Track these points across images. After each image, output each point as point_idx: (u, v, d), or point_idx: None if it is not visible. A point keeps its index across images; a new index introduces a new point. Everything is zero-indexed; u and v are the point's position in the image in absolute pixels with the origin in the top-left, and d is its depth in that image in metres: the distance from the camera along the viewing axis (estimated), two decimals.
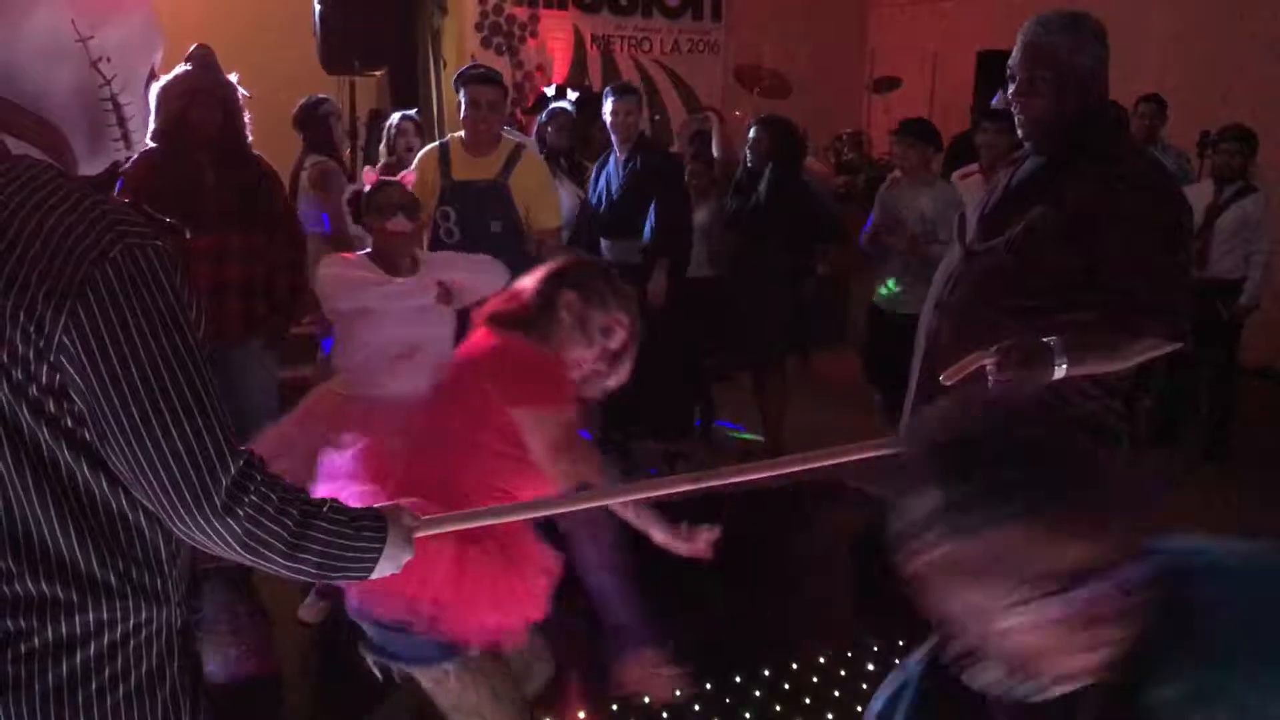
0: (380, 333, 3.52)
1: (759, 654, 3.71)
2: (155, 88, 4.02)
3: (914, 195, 5.49)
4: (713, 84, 10.66)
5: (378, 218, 3.61)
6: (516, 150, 4.62)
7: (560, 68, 10.16)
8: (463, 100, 4.55)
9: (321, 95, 5.95)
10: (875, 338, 5.71)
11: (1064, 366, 2.21)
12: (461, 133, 4.66)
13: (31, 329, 1.21)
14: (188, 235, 1.38)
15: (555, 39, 10.20)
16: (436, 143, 4.88)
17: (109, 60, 1.36)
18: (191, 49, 3.94)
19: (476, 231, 4.42)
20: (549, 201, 4.65)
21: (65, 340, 1.22)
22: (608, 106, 5.56)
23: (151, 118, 4.05)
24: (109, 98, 1.38)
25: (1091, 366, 2.30)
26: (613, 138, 5.56)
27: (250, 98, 6.25)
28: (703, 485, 1.82)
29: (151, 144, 3.81)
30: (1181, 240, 2.43)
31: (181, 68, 4.04)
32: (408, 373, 3.34)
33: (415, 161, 4.60)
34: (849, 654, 3.73)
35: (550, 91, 8.58)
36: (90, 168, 1.42)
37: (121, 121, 1.40)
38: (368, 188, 3.74)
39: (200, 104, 4.00)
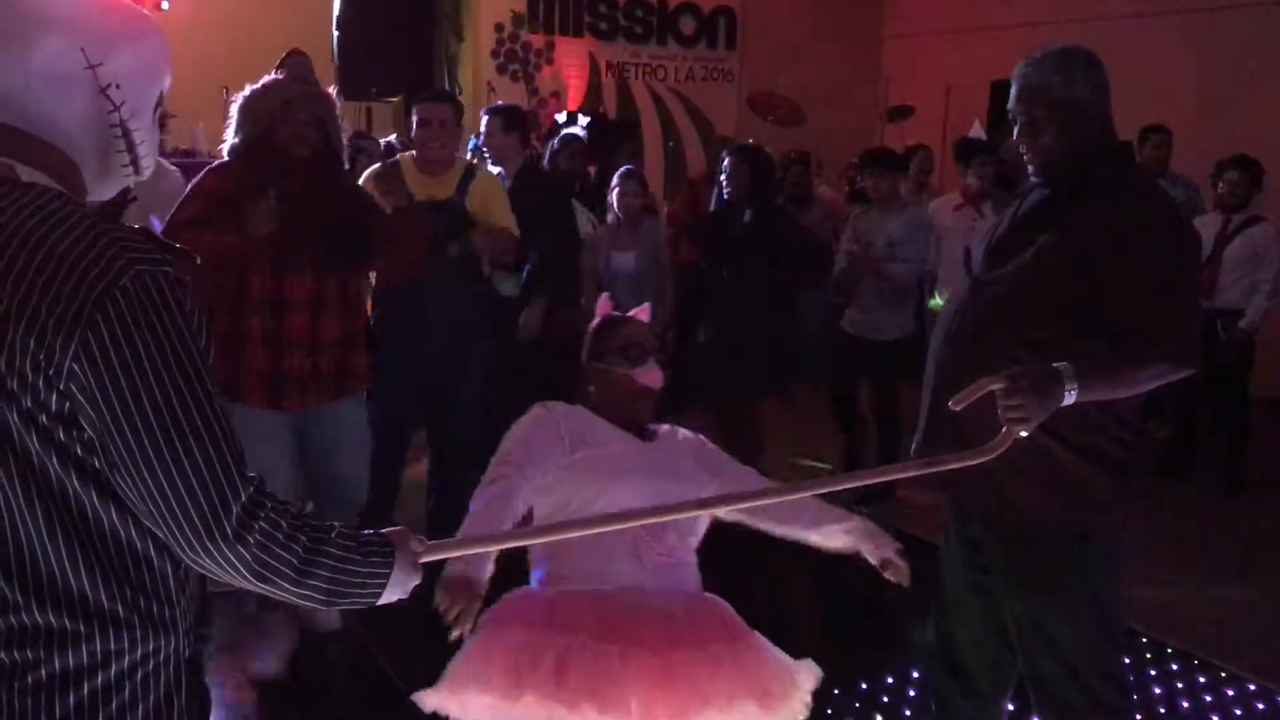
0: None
1: None
2: (239, 97, 3.57)
3: (884, 221, 5.65)
4: (727, 111, 10.71)
5: (622, 362, 2.59)
6: (470, 169, 4.57)
7: (575, 95, 10.23)
8: (414, 120, 4.47)
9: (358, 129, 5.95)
10: (843, 362, 5.80)
11: (1074, 392, 2.20)
12: (412, 153, 4.57)
13: (41, 357, 1.21)
14: (199, 261, 1.38)
15: (571, 66, 10.28)
16: (383, 164, 4.69)
17: (118, 87, 1.37)
18: (286, 55, 3.71)
19: (435, 250, 4.26)
20: (506, 212, 4.55)
21: (75, 368, 1.22)
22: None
23: (231, 130, 3.57)
24: (118, 124, 1.38)
25: (1101, 393, 2.29)
26: None
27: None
28: (706, 510, 1.82)
29: (226, 158, 3.58)
30: (1188, 267, 2.43)
31: (270, 77, 3.65)
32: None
33: (361, 181, 4.40)
34: (863, 687, 3.71)
35: (562, 118, 8.64)
36: (100, 194, 1.43)
37: (130, 147, 1.41)
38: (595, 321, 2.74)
39: (292, 120, 3.48)
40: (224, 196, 3.46)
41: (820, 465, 6.15)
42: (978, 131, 6.88)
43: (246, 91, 3.54)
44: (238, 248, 3.43)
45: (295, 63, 3.66)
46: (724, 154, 5.59)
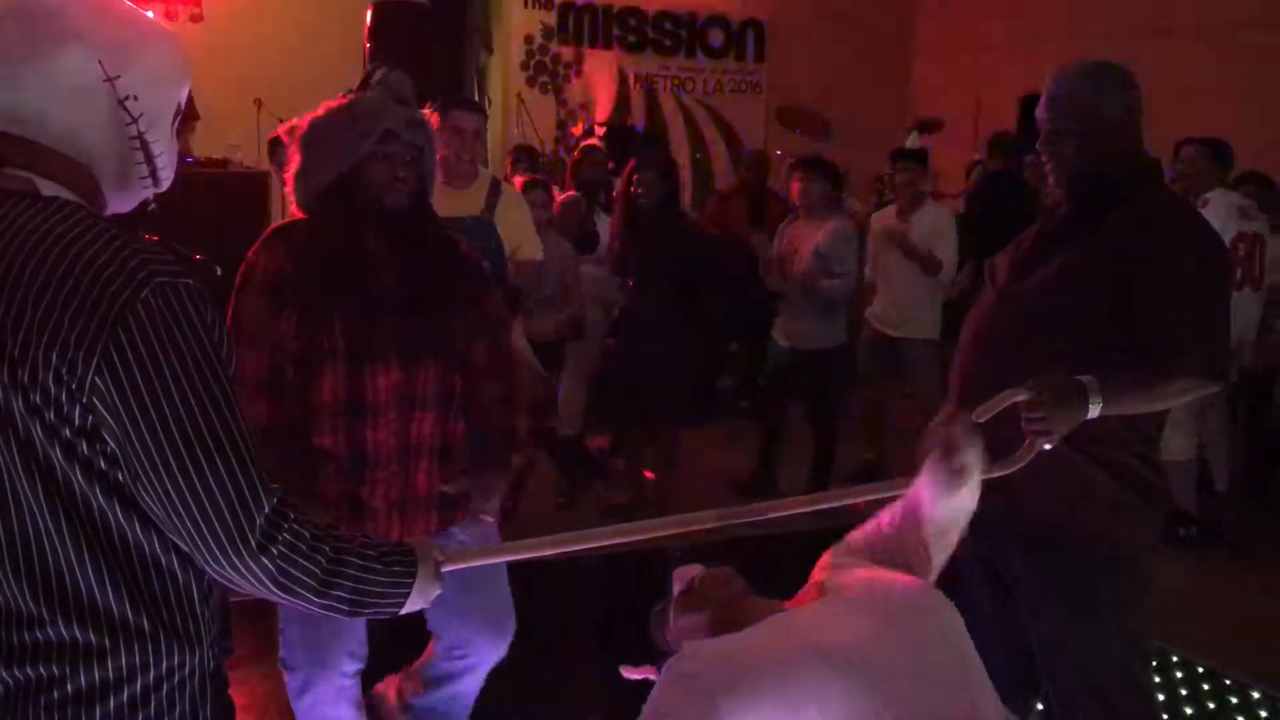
0: None
1: None
2: (309, 123, 2.47)
3: (812, 230, 5.63)
4: (754, 124, 10.72)
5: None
6: (495, 185, 4.29)
7: (604, 107, 10.26)
8: (444, 128, 3.95)
9: None
10: (781, 374, 5.80)
11: (1099, 406, 2.18)
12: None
13: (64, 371, 1.22)
14: (219, 273, 1.38)
15: (599, 78, 10.31)
16: None
17: (136, 99, 1.37)
18: (377, 70, 2.53)
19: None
20: (533, 236, 4.48)
21: (98, 381, 1.22)
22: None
23: (294, 169, 2.46)
24: (136, 135, 1.39)
25: (1127, 406, 2.27)
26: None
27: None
28: (725, 522, 1.82)
29: (300, 211, 2.54)
30: (1217, 279, 2.41)
31: (351, 94, 2.54)
32: None
33: None
34: None
35: (580, 130, 8.72)
36: (119, 206, 1.44)
37: (149, 159, 1.41)
38: None
39: (390, 158, 2.46)
40: (284, 289, 2.43)
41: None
42: (914, 142, 6.90)
43: (319, 115, 2.48)
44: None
45: (395, 79, 2.49)
46: (635, 163, 5.41)
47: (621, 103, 10.39)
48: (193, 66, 1.48)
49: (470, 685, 2.79)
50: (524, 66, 9.97)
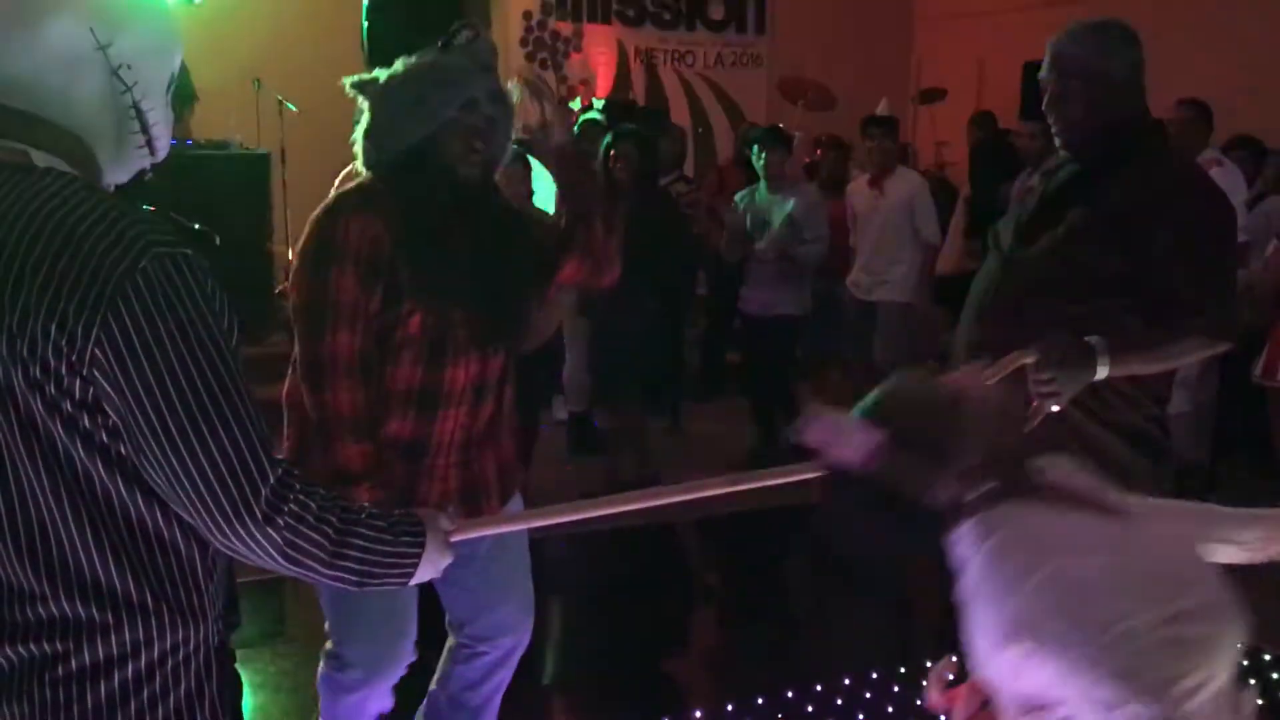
0: None
1: (790, 675, 3.68)
2: (387, 80, 2.23)
3: (778, 201, 5.72)
4: (757, 97, 10.65)
5: None
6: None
7: (604, 82, 10.21)
8: None
9: None
10: (751, 343, 5.82)
11: (1106, 367, 2.17)
12: None
13: (64, 343, 1.20)
14: (218, 242, 1.37)
15: (599, 53, 10.25)
16: None
17: (129, 67, 1.35)
18: (461, 32, 2.31)
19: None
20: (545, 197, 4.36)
21: (98, 354, 1.21)
22: None
23: (361, 132, 2.25)
24: (131, 105, 1.37)
25: (1135, 367, 2.26)
26: None
27: (299, 113, 6.31)
28: (737, 487, 1.81)
29: (366, 182, 2.33)
30: (1225, 238, 2.39)
31: (431, 55, 2.30)
32: None
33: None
34: (902, 671, 3.69)
35: (575, 106, 8.68)
36: (116, 177, 1.42)
37: (145, 129, 1.40)
38: None
39: (469, 129, 2.28)
40: (380, 262, 2.24)
41: None
42: (884, 108, 6.93)
43: (397, 69, 2.29)
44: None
45: (482, 44, 2.31)
46: (609, 136, 5.44)
47: (622, 78, 10.33)
48: (190, 47, 1.46)
49: (506, 675, 2.66)
50: (523, 42, 9.91)
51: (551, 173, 2.56)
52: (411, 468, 2.35)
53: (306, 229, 2.30)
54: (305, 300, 2.26)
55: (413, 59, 2.28)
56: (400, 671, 2.55)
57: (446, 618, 2.63)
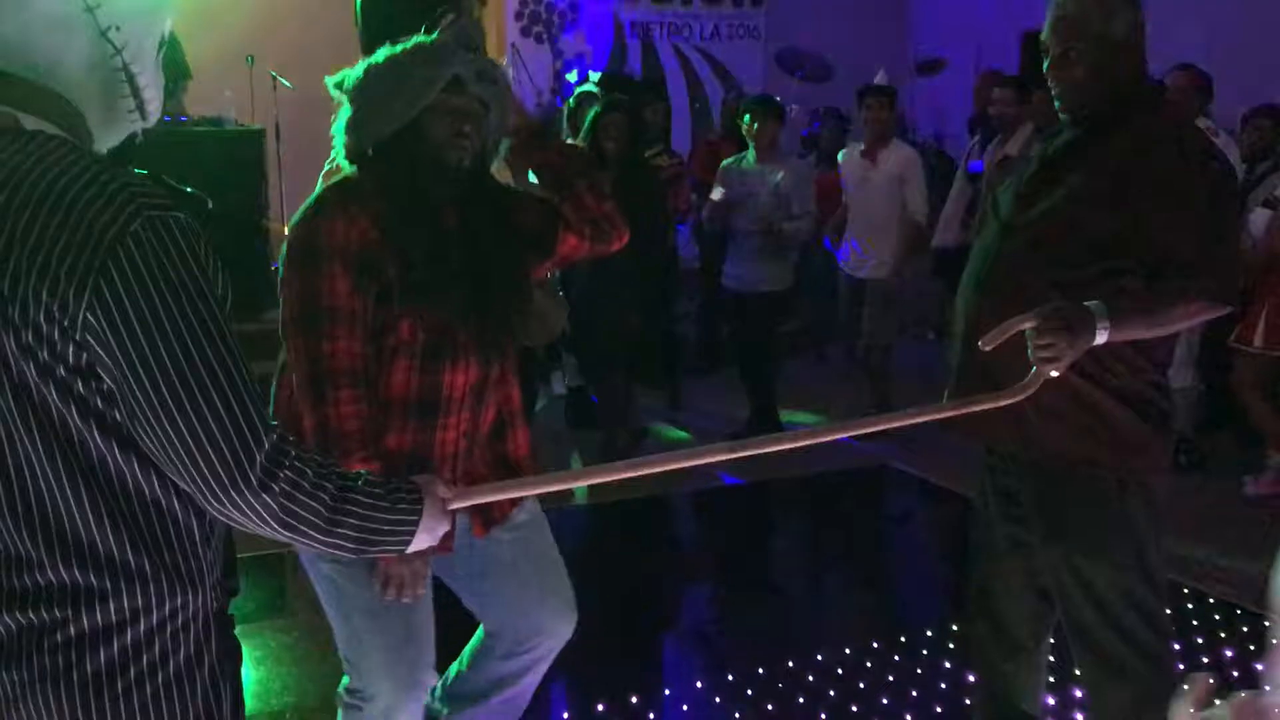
0: None
1: (813, 640, 3.70)
2: (365, 70, 2.13)
3: (766, 172, 5.64)
4: (754, 70, 10.60)
5: None
6: None
7: (600, 56, 10.16)
8: None
9: None
10: (732, 320, 5.78)
11: (1105, 331, 2.16)
12: None
13: (55, 308, 1.19)
14: (210, 205, 1.35)
15: (595, 27, 10.20)
16: None
17: (119, 29, 1.34)
18: (445, 15, 2.22)
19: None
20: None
21: (90, 318, 1.20)
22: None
23: (343, 121, 2.14)
24: (121, 67, 1.35)
25: (1136, 331, 2.24)
26: None
27: (293, 89, 6.26)
28: (739, 454, 1.80)
29: (348, 178, 2.24)
30: (1225, 201, 2.37)
31: (416, 40, 2.19)
32: None
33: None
34: (902, 639, 3.70)
35: (573, 78, 8.63)
36: (106, 141, 1.40)
37: (136, 92, 1.38)
38: None
39: (456, 111, 2.19)
40: (375, 265, 2.14)
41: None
42: (882, 78, 6.88)
43: (376, 58, 2.19)
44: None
45: (465, 24, 2.23)
46: (597, 105, 5.40)
47: (618, 52, 10.28)
48: (184, 23, 1.43)
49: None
50: (518, 16, 9.86)
51: (514, 159, 2.47)
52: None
53: (288, 235, 2.19)
54: (297, 310, 2.13)
55: (395, 48, 2.17)
56: (424, 697, 2.42)
57: (481, 626, 2.53)
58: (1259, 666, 3.51)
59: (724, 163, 6.00)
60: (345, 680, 2.43)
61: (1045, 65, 2.46)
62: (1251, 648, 3.68)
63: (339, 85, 2.23)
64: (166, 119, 6.64)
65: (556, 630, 2.49)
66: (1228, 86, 6.47)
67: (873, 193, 5.90)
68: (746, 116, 5.80)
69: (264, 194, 7.25)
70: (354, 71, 2.22)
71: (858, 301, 6.01)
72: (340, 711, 2.45)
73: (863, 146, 6.06)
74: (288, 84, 7.55)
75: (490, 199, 2.31)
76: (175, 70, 6.76)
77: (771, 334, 5.82)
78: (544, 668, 2.52)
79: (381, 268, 2.12)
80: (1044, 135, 2.71)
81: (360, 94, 2.19)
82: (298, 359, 2.14)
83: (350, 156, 2.22)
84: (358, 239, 2.11)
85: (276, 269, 2.27)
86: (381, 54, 2.19)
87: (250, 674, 3.45)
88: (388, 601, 2.23)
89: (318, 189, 2.25)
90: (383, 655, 2.33)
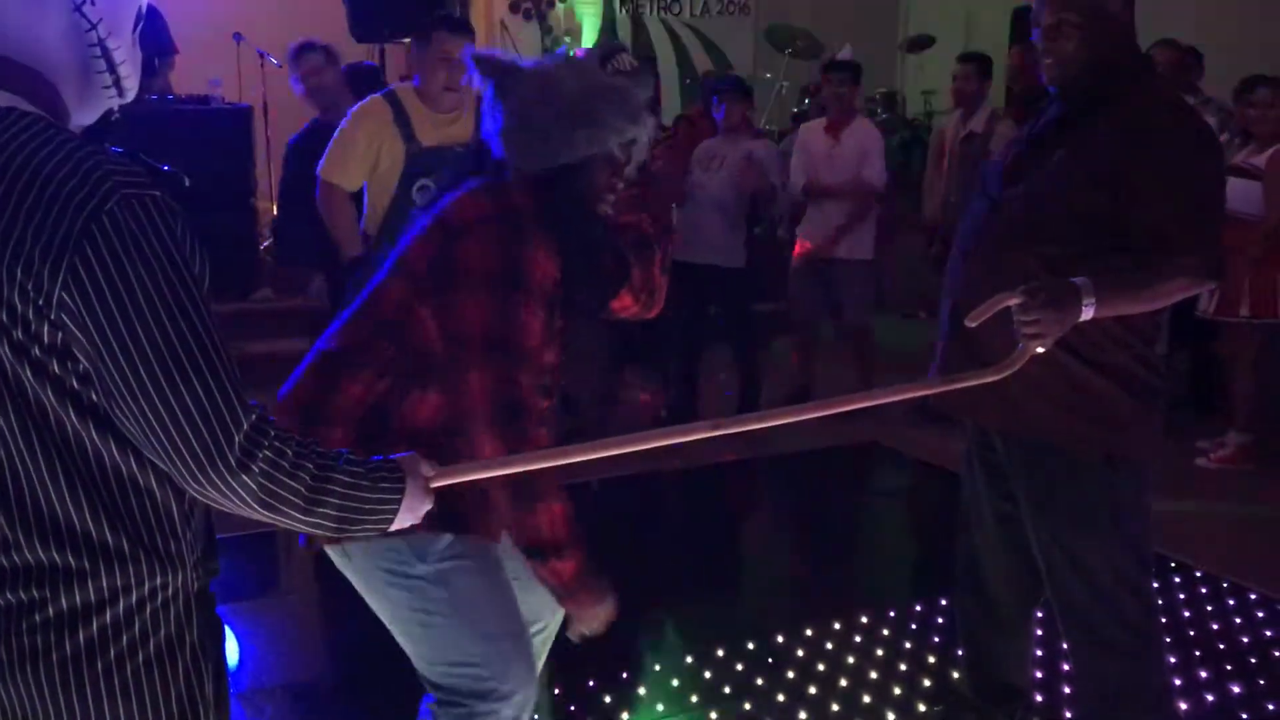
0: None
1: (801, 614, 3.70)
2: (535, 75, 2.01)
3: (738, 140, 5.73)
4: (743, 46, 10.56)
5: None
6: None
7: (589, 32, 10.10)
8: (434, 52, 3.88)
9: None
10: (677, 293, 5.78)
11: (1091, 307, 2.16)
12: (408, 86, 4.10)
13: (30, 287, 1.18)
14: (187, 183, 1.34)
15: (584, 3, 10.14)
16: (377, 95, 4.10)
17: (93, 4, 1.32)
18: (621, 55, 2.18)
19: None
20: None
21: (65, 297, 1.19)
22: None
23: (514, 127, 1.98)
24: (96, 43, 1.33)
25: (1122, 307, 2.25)
26: None
27: (281, 68, 6.22)
28: (719, 432, 1.80)
29: (512, 193, 2.12)
30: (1212, 177, 2.37)
31: (568, 65, 2.15)
32: None
33: (349, 122, 4.00)
34: (891, 614, 3.71)
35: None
36: (83, 118, 1.39)
37: (112, 68, 1.36)
38: None
39: (616, 167, 2.19)
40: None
41: None
42: (846, 54, 6.81)
43: (548, 68, 2.12)
44: None
45: (646, 79, 2.19)
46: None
47: (607, 28, 10.22)
48: (170, 1, 1.42)
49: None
50: None
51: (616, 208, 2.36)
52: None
53: (476, 249, 2.01)
54: (493, 335, 2.00)
55: (563, 62, 2.10)
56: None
57: None
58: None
59: (704, 144, 5.95)
60: (433, 696, 2.20)
61: (1035, 35, 2.45)
62: (1238, 620, 3.70)
63: (489, 66, 2.10)
64: (153, 98, 6.59)
65: (547, 614, 2.44)
66: (1218, 62, 6.46)
67: (838, 169, 5.81)
68: (715, 98, 5.84)
69: (252, 173, 7.22)
70: (511, 63, 2.11)
71: (823, 283, 5.92)
72: None
73: (825, 122, 5.98)
74: (276, 62, 7.50)
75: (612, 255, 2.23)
76: (161, 47, 6.71)
77: (705, 313, 5.75)
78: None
79: (555, 311, 2.05)
80: (1028, 108, 2.71)
81: (531, 103, 2.06)
82: (483, 384, 2.02)
83: (514, 163, 2.10)
84: (552, 278, 2.03)
85: (266, 248, 2.21)
86: (553, 66, 2.10)
87: (239, 653, 3.45)
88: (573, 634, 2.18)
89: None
90: (513, 644, 2.20)
